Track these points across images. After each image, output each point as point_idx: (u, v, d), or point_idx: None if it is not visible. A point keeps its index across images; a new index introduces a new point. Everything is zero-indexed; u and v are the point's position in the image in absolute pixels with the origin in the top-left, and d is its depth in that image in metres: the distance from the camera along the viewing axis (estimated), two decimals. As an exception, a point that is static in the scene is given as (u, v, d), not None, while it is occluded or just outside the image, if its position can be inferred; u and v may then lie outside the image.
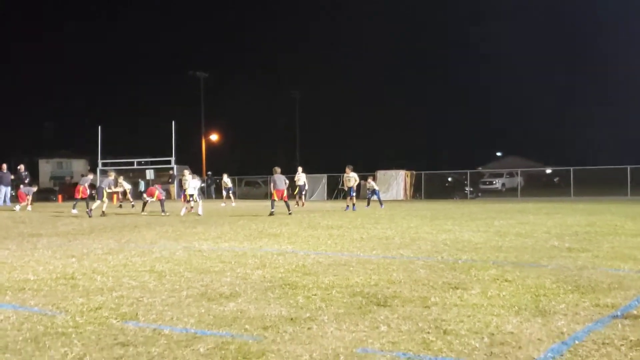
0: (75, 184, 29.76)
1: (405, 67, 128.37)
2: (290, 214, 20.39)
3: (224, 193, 31.92)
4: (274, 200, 21.65)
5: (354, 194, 24.77)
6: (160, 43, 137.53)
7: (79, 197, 23.47)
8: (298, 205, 26.95)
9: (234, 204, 30.47)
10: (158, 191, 23.66)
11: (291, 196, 25.38)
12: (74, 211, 22.72)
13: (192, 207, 23.17)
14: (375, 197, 27.41)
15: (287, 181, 23.17)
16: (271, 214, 20.45)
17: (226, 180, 31.99)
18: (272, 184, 22.76)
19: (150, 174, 42.89)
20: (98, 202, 21.14)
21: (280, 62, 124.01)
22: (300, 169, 29.81)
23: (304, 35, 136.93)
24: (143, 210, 23.61)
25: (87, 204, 23.21)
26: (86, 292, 6.33)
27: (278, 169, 22.61)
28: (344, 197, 25.46)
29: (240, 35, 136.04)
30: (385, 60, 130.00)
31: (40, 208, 28.46)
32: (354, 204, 24.29)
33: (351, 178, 24.97)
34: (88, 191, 23.57)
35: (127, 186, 28.24)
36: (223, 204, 29.99)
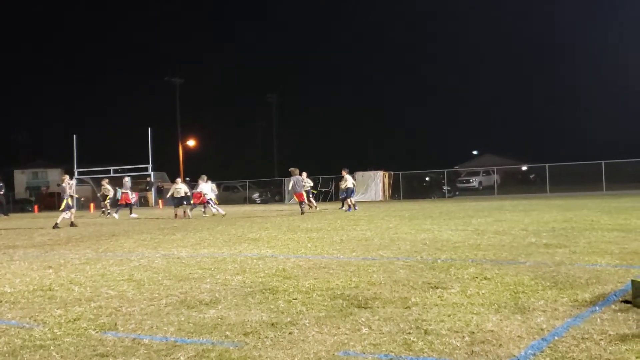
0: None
1: (379, 67, 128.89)
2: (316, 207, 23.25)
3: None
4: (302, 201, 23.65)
5: (344, 195, 25.52)
6: (135, 49, 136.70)
7: (124, 203, 26.26)
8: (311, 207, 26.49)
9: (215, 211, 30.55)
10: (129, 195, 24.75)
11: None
12: (134, 215, 25.32)
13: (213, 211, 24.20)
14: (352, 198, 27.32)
15: (307, 182, 25.15)
16: (302, 213, 22.50)
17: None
18: (290, 186, 24.41)
19: (128, 182, 42.55)
20: (63, 214, 20.24)
21: (255, 66, 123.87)
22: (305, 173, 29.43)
23: (280, 38, 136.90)
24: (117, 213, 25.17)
25: (130, 209, 26.35)
26: (64, 303, 6.26)
27: (296, 170, 24.01)
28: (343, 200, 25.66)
29: (214, 40, 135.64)
30: (360, 61, 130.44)
31: (17, 219, 28.15)
32: (353, 205, 24.67)
33: (348, 180, 25.19)
34: (131, 196, 24.62)
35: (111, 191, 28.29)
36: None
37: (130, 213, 26.91)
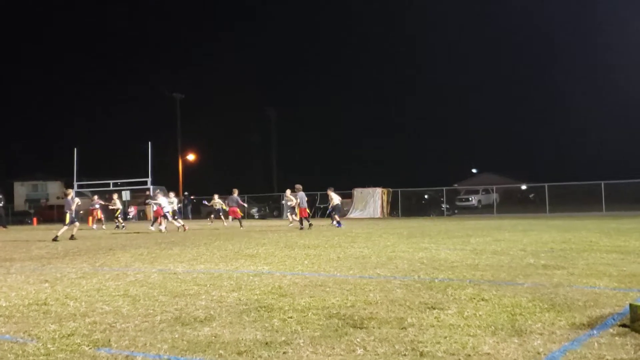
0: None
1: (379, 83, 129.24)
2: (306, 227, 23.49)
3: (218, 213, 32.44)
4: (303, 217, 24.47)
5: (331, 211, 26.84)
6: (137, 64, 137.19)
7: (156, 216, 26.54)
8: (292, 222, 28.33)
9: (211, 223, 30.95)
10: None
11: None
12: (162, 227, 25.08)
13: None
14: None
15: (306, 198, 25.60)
16: (301, 228, 23.44)
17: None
18: (297, 201, 25.14)
19: (126, 195, 42.61)
20: (65, 227, 20.47)
21: (254, 80, 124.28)
22: (290, 189, 30.39)
23: (279, 54, 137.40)
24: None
25: (161, 221, 25.77)
26: (59, 318, 6.22)
27: (300, 186, 25.19)
28: (327, 216, 27.03)
29: (215, 55, 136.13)
30: (361, 77, 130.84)
31: (16, 231, 28.10)
32: (338, 221, 25.70)
33: (334, 198, 26.28)
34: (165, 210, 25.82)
35: (119, 205, 28.69)
36: (226, 224, 30.41)
37: (160, 224, 26.73)
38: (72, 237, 19.94)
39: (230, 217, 30.29)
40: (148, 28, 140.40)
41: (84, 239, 20.05)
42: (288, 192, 28.56)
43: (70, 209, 20.49)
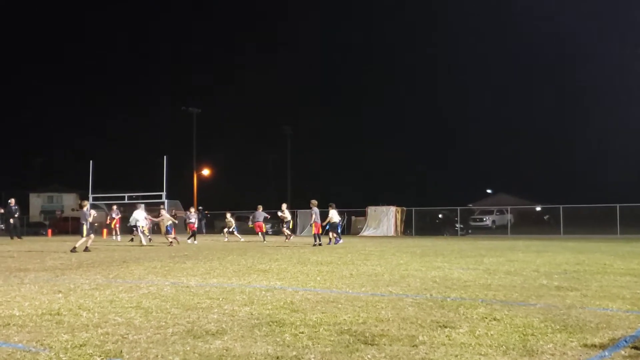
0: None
1: (396, 104, 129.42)
2: (320, 244, 23.73)
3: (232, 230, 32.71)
4: (318, 233, 24.73)
5: (328, 228, 27.06)
6: (154, 78, 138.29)
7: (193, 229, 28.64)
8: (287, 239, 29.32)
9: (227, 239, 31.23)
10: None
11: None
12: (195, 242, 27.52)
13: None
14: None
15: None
16: (315, 245, 23.64)
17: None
18: (312, 217, 25.67)
19: (141, 209, 42.73)
20: (83, 239, 20.60)
21: (271, 97, 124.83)
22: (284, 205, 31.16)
23: (294, 72, 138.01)
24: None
25: (194, 236, 28.61)
26: (71, 328, 6.26)
27: (315, 202, 25.53)
28: (326, 234, 27.22)
29: (232, 70, 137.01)
30: (377, 97, 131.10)
31: (30, 242, 28.30)
32: (336, 237, 26.15)
33: (333, 216, 26.42)
34: (196, 225, 28.95)
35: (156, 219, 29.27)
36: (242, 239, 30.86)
37: (194, 240, 28.68)
38: (86, 249, 20.04)
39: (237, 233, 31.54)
40: (166, 42, 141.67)
41: (97, 252, 20.14)
42: (284, 206, 29.89)
43: (87, 220, 20.59)
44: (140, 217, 26.48)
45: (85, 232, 20.49)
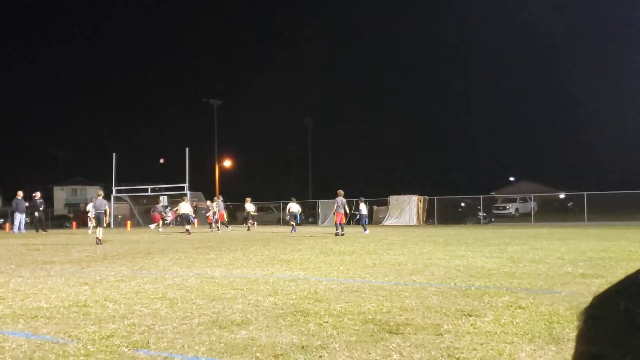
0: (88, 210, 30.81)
1: (419, 92, 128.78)
2: (343, 234, 24.12)
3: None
4: (340, 223, 25.05)
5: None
6: (175, 71, 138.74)
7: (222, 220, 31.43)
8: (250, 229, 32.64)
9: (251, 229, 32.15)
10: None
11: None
12: (229, 229, 30.32)
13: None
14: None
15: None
16: (337, 234, 24.09)
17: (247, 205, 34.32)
18: (335, 206, 25.48)
19: (163, 201, 43.10)
20: (100, 228, 20.59)
21: (292, 90, 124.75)
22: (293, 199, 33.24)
23: (316, 63, 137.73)
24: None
25: (218, 227, 31.23)
26: (98, 319, 6.33)
27: (342, 192, 25.58)
28: (357, 223, 27.55)
29: (253, 63, 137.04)
30: (399, 85, 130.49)
31: (55, 235, 28.62)
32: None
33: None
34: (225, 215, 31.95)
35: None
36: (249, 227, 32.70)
37: (227, 227, 31.74)
38: (99, 242, 20.05)
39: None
40: (188, 35, 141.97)
41: (122, 243, 20.31)
42: (248, 200, 33.59)
43: (101, 211, 20.60)
44: (187, 209, 28.83)
45: (94, 223, 20.66)
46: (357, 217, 27.74)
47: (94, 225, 20.60)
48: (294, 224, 30.30)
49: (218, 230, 30.82)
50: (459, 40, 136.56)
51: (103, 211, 20.67)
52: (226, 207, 37.99)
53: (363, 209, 27.62)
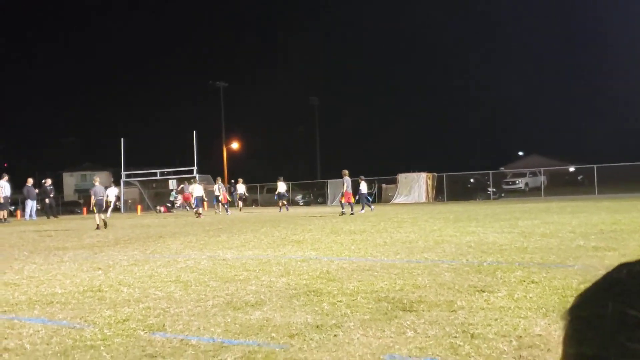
0: None
1: (425, 68, 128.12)
2: (352, 214, 23.94)
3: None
4: (349, 202, 25.18)
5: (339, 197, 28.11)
6: (181, 54, 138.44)
7: (225, 202, 31.95)
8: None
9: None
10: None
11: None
12: (229, 213, 30.35)
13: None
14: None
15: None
16: (343, 214, 24.07)
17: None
18: (344, 186, 25.58)
19: (172, 184, 43.25)
20: (98, 215, 20.67)
21: (298, 70, 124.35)
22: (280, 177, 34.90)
23: (322, 42, 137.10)
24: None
25: (226, 209, 31.80)
26: (113, 304, 6.37)
27: (347, 172, 25.63)
28: (357, 202, 27.51)
29: (258, 44, 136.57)
30: (405, 62, 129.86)
31: (66, 221, 28.78)
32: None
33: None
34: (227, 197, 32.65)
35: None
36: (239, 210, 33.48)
37: (227, 211, 32.05)
38: (98, 227, 20.18)
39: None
40: (193, 17, 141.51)
41: (133, 228, 20.42)
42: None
43: (100, 197, 20.79)
44: (199, 192, 29.31)
45: (96, 210, 20.64)
46: (357, 196, 27.57)
47: (96, 212, 20.63)
48: (284, 203, 33.00)
49: (221, 211, 31.41)
50: (460, 13, 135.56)
51: (102, 197, 20.86)
52: (228, 190, 38.47)
53: (363, 187, 27.71)
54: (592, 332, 0.75)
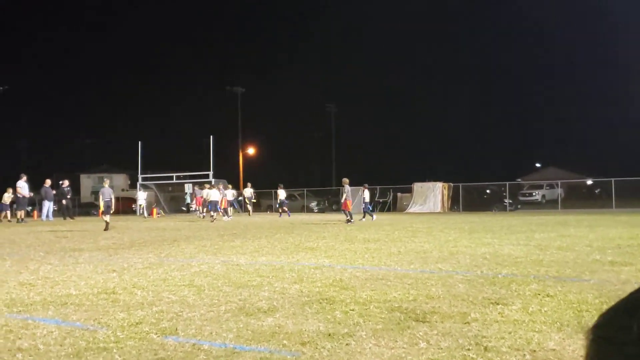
0: (116, 199, 31.37)
1: (444, 78, 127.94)
2: (352, 221, 23.97)
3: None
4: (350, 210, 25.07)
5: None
6: (199, 60, 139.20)
7: (223, 207, 30.82)
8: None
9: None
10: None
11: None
12: (225, 218, 30.05)
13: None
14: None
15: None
16: (349, 222, 23.91)
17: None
18: (346, 195, 25.43)
19: (188, 188, 43.45)
20: (107, 216, 21.23)
21: (315, 76, 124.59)
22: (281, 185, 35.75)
23: (339, 50, 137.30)
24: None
25: (226, 212, 31.29)
26: (127, 306, 6.40)
27: (347, 180, 25.49)
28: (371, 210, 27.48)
29: (276, 51, 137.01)
30: (423, 72, 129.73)
31: (83, 222, 28.96)
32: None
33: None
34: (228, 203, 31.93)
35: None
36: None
37: (227, 215, 31.53)
38: (106, 229, 20.46)
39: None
40: (210, 23, 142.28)
41: (148, 231, 20.50)
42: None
43: (105, 198, 21.08)
44: (216, 196, 29.35)
45: (103, 209, 21.10)
46: (364, 205, 27.58)
47: (104, 212, 21.00)
48: (284, 209, 33.43)
49: (227, 217, 30.78)
50: (481, 23, 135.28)
51: (109, 199, 21.14)
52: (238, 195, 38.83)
53: (366, 196, 27.69)
54: (617, 355, 0.74)
